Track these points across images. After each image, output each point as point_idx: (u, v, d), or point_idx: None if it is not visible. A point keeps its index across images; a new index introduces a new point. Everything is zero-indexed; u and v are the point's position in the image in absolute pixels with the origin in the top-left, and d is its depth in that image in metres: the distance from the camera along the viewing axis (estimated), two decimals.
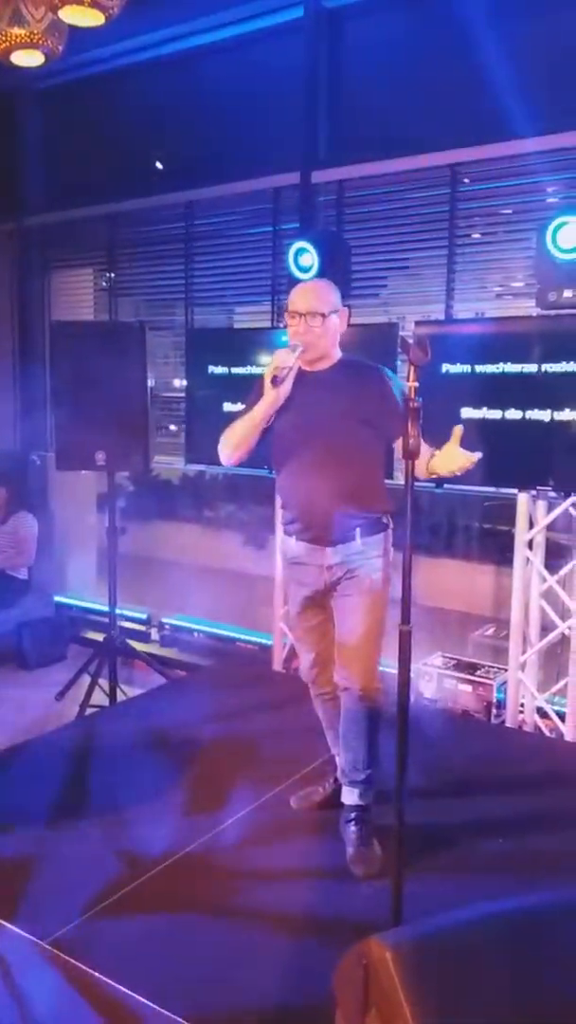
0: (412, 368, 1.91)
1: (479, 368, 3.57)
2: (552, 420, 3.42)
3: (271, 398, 2.50)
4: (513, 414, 3.52)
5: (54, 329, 4.65)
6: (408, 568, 1.96)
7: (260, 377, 2.55)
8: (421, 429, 2.01)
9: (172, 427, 5.38)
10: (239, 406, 2.69)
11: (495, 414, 3.55)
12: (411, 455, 1.91)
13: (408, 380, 1.93)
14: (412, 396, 1.91)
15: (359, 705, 2.53)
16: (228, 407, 4.12)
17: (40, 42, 2.78)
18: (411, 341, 1.92)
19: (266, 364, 2.57)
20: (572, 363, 3.36)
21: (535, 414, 3.46)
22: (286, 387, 2.49)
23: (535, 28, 3.87)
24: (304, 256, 4.02)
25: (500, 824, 2.75)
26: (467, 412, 3.57)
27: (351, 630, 2.54)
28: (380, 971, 1.57)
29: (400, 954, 1.55)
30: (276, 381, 2.45)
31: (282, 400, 2.53)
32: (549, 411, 3.42)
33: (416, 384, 1.93)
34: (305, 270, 4.02)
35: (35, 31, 2.73)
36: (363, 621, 2.52)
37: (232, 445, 2.61)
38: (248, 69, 4.78)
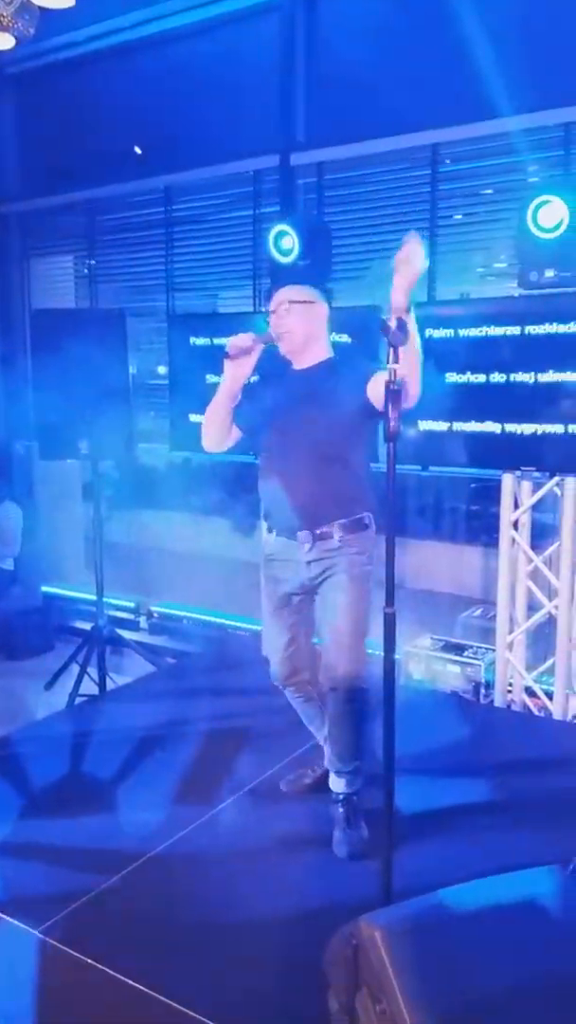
0: (392, 350, 1.90)
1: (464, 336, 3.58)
2: (536, 392, 3.42)
3: (227, 376, 2.54)
4: (499, 386, 3.52)
5: (34, 317, 4.61)
6: (391, 550, 1.95)
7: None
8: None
9: (152, 414, 5.35)
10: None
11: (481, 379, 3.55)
12: (392, 438, 1.90)
13: (388, 362, 1.92)
14: (392, 379, 1.90)
15: (347, 704, 2.52)
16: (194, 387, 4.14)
17: (10, 25, 2.73)
18: (390, 323, 1.91)
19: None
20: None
21: (521, 388, 3.47)
22: (244, 370, 2.52)
23: (515, 5, 3.83)
24: (284, 239, 4.00)
25: (489, 803, 2.77)
26: (452, 377, 3.59)
27: (337, 631, 2.52)
28: (370, 950, 1.58)
29: (389, 933, 1.57)
30: (227, 356, 2.49)
31: (240, 382, 2.54)
32: (532, 374, 3.43)
33: (397, 366, 1.92)
34: (286, 253, 3.99)
35: (4, 13, 2.68)
36: (345, 623, 2.50)
37: (205, 429, 2.66)
38: (225, 50, 4.72)
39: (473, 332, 3.56)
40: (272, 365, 2.65)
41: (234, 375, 2.54)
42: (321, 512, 2.50)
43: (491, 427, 3.57)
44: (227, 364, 2.52)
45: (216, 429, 2.64)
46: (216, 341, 4.24)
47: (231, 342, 2.50)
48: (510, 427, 3.52)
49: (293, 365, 2.62)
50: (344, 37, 4.39)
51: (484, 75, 3.63)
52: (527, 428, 3.47)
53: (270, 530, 2.62)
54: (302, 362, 2.61)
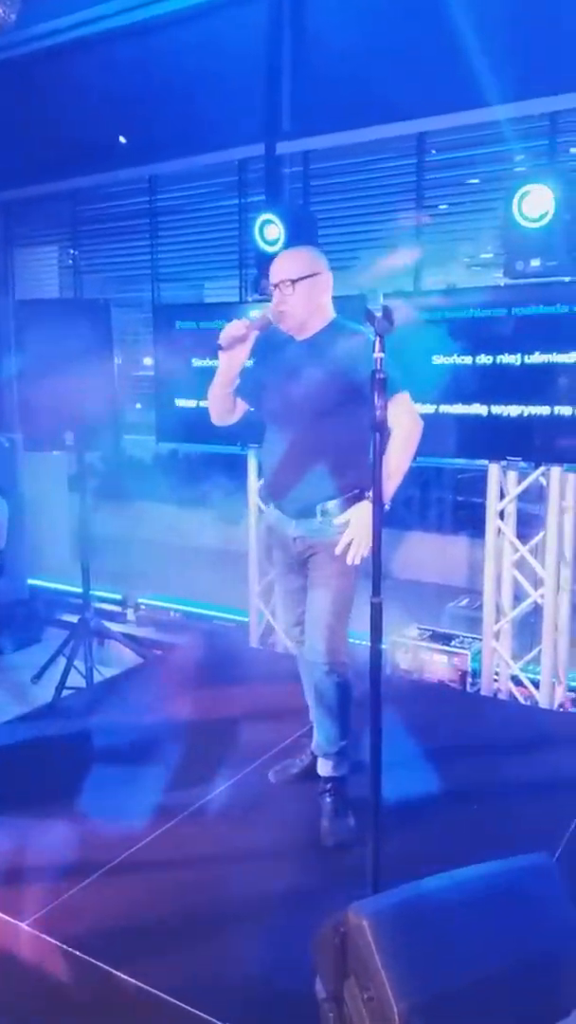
0: (378, 339, 1.89)
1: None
2: (521, 379, 3.43)
3: (223, 365, 2.52)
4: (485, 372, 3.52)
5: (18, 307, 4.57)
6: (377, 540, 1.95)
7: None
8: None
9: (138, 405, 5.33)
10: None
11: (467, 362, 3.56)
12: (378, 427, 1.90)
13: (375, 351, 1.91)
14: (379, 367, 1.90)
15: (327, 680, 2.54)
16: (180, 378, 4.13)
17: None
18: (376, 312, 1.90)
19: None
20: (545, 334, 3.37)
21: (507, 373, 3.47)
22: (239, 356, 2.48)
23: None
24: (270, 229, 3.97)
25: (476, 791, 2.79)
26: (439, 360, 3.60)
27: (314, 607, 2.54)
28: (357, 939, 1.59)
29: (376, 922, 1.57)
30: (220, 347, 2.45)
31: (236, 369, 2.52)
32: (519, 355, 3.44)
33: (382, 355, 1.91)
34: (271, 243, 3.97)
35: None
36: (325, 597, 2.52)
37: (210, 408, 2.67)
38: (210, 38, 4.68)
39: (459, 316, 3.55)
40: (273, 334, 2.58)
41: (229, 364, 2.51)
42: (307, 490, 2.50)
43: (477, 409, 3.57)
44: (221, 355, 2.48)
45: (219, 409, 2.66)
46: (202, 326, 4.22)
47: (224, 332, 2.44)
48: (496, 410, 3.52)
49: (296, 336, 2.56)
50: (331, 25, 4.37)
51: (471, 64, 3.61)
52: (512, 410, 3.47)
53: (267, 501, 2.64)
54: (304, 333, 2.55)
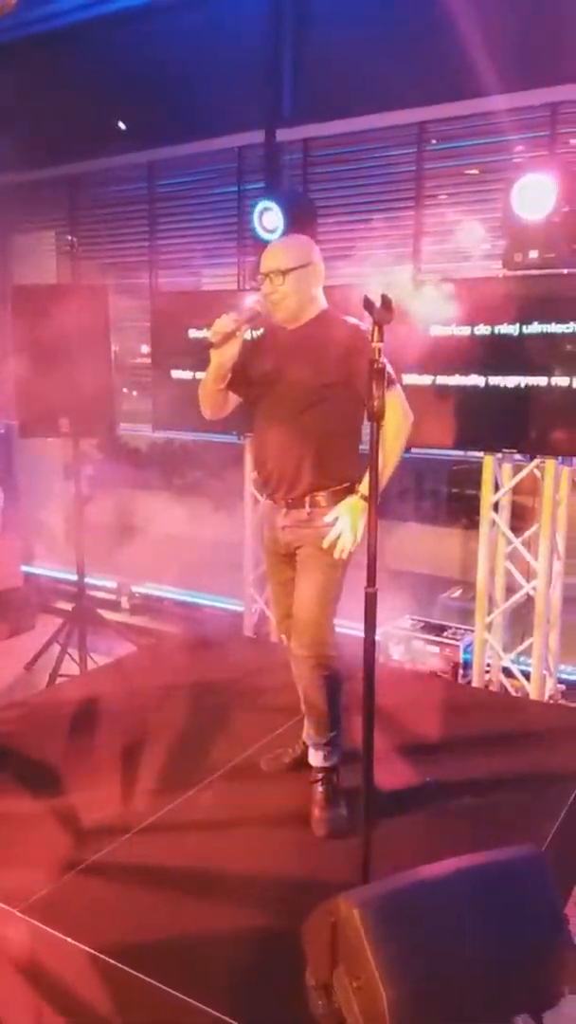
0: (376, 328, 1.88)
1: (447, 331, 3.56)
2: (519, 385, 3.43)
3: (214, 362, 2.48)
4: (478, 380, 3.52)
5: (14, 293, 4.54)
6: (373, 530, 1.95)
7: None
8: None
9: (135, 393, 5.31)
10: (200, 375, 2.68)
11: (462, 380, 3.55)
12: (375, 417, 1.89)
13: (373, 340, 1.90)
14: (377, 356, 1.89)
15: (313, 673, 2.53)
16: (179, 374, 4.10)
17: None
18: (375, 301, 1.89)
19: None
20: (540, 324, 3.36)
21: (503, 379, 3.46)
22: (230, 352, 2.45)
23: None
24: (268, 215, 3.96)
25: (466, 782, 2.80)
26: (442, 380, 3.59)
27: (300, 599, 2.54)
28: (347, 928, 1.59)
29: (366, 911, 1.58)
30: (211, 345, 2.41)
31: (227, 365, 2.49)
32: (520, 375, 3.43)
33: (381, 344, 1.91)
34: (270, 230, 3.95)
35: None
36: (312, 589, 2.51)
37: (201, 402, 2.64)
38: (211, 24, 4.64)
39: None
40: (263, 323, 2.57)
41: (220, 361, 2.47)
42: (295, 478, 2.50)
43: (474, 402, 3.57)
44: (212, 352, 2.45)
45: (211, 405, 2.63)
46: (200, 313, 4.20)
47: (213, 329, 2.41)
48: (493, 403, 3.51)
49: (286, 326, 2.54)
50: (331, 12, 4.34)
51: (471, 53, 3.59)
52: (509, 404, 3.46)
53: (260, 493, 2.63)
54: (295, 323, 2.53)
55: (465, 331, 3.53)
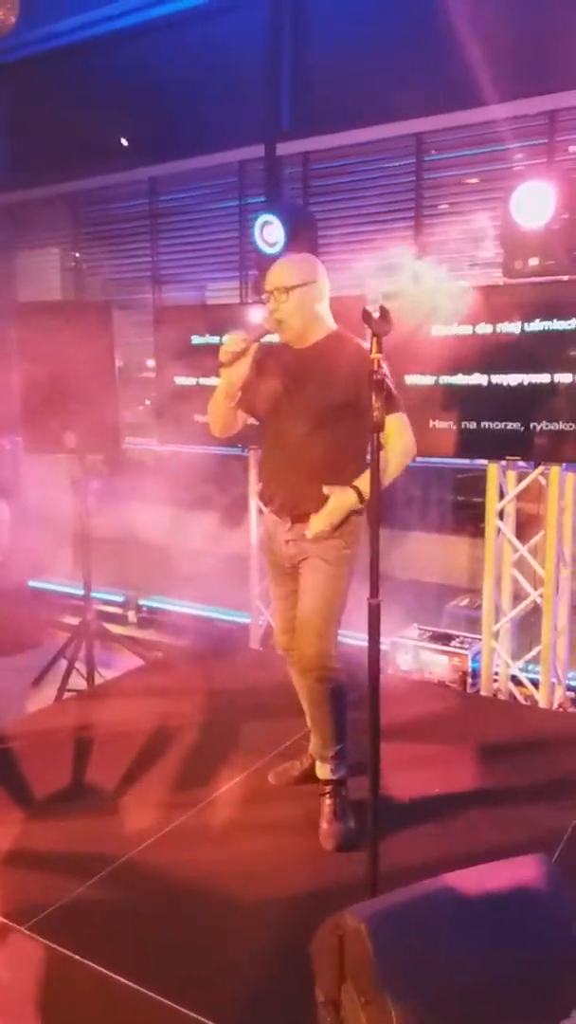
0: (375, 339, 1.89)
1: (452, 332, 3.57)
2: (522, 383, 3.42)
3: (224, 380, 2.50)
4: (481, 379, 3.51)
5: (18, 310, 4.57)
6: (375, 541, 1.95)
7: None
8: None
9: (140, 408, 5.32)
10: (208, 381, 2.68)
11: (465, 379, 3.55)
12: (375, 428, 1.89)
13: (372, 352, 1.90)
14: (376, 367, 1.89)
15: (317, 685, 2.53)
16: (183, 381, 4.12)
17: None
18: (374, 313, 1.90)
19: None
20: (543, 322, 3.36)
21: (507, 379, 3.46)
22: (240, 370, 2.47)
23: None
24: (269, 229, 3.97)
25: (475, 792, 2.78)
26: (445, 379, 3.60)
27: (303, 611, 2.55)
28: (354, 943, 1.58)
29: (373, 925, 1.56)
30: (221, 364, 2.45)
31: (238, 384, 2.51)
32: (522, 376, 3.42)
33: (380, 355, 1.91)
34: (271, 243, 3.97)
35: None
36: (314, 602, 2.52)
37: (210, 421, 2.68)
38: (210, 40, 4.69)
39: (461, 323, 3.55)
40: (276, 347, 2.60)
41: (230, 379, 2.50)
42: (299, 494, 2.50)
43: (476, 417, 3.56)
44: (222, 371, 2.48)
45: (221, 423, 2.65)
46: (204, 328, 4.23)
47: (223, 348, 2.44)
48: (496, 409, 3.50)
49: (293, 345, 2.57)
50: (329, 27, 4.37)
51: (468, 63, 3.61)
52: (512, 410, 3.46)
53: (265, 506, 2.66)
54: (303, 343, 2.55)
55: (467, 330, 3.52)
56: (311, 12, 4.44)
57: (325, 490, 2.44)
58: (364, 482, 2.38)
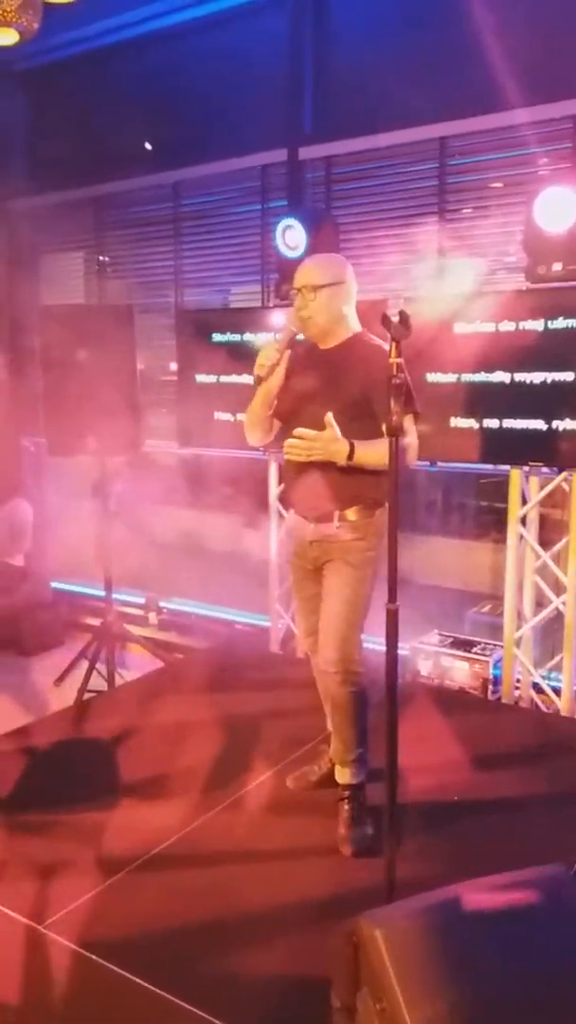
0: (395, 344, 1.88)
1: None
2: (544, 381, 3.40)
3: (261, 392, 2.54)
4: (504, 376, 3.49)
5: (42, 313, 4.61)
6: (393, 547, 1.94)
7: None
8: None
9: (164, 410, 5.34)
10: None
11: (489, 378, 3.53)
12: (393, 432, 1.89)
13: (392, 356, 1.90)
14: (395, 372, 1.89)
15: (341, 689, 2.53)
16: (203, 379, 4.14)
17: (13, 20, 2.72)
18: (393, 317, 1.89)
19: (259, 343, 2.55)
20: (567, 320, 3.33)
21: (529, 377, 3.43)
22: (277, 378, 2.51)
23: None
24: (291, 233, 3.98)
25: (495, 800, 2.76)
26: (467, 377, 3.58)
27: (327, 614, 2.55)
28: (370, 950, 1.57)
29: (389, 932, 1.56)
30: (258, 380, 2.49)
31: (276, 391, 2.54)
32: (543, 375, 3.40)
33: (400, 360, 1.91)
34: (292, 247, 3.97)
35: (8, 8, 2.67)
36: (339, 604, 2.52)
37: (247, 430, 2.69)
38: (233, 45, 4.71)
39: (484, 328, 3.52)
40: (297, 343, 2.61)
41: (268, 390, 2.54)
42: (325, 496, 2.51)
43: (496, 423, 3.54)
44: (261, 384, 2.52)
45: (260, 430, 2.67)
46: (226, 332, 4.24)
47: (259, 363, 2.48)
48: (518, 423, 3.48)
49: (318, 345, 2.60)
50: (352, 31, 4.37)
51: (491, 67, 3.59)
52: (535, 417, 3.43)
53: (288, 507, 2.66)
54: (327, 342, 2.58)
55: (489, 327, 3.50)
56: (334, 17, 4.44)
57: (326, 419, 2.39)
58: (362, 446, 2.35)
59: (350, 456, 2.35)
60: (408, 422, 2.42)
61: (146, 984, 1.97)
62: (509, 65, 3.58)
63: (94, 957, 2.06)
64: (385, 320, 1.91)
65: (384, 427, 1.95)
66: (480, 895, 1.65)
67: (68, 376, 4.22)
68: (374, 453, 2.33)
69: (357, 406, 2.44)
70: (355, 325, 2.59)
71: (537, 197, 3.32)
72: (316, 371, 2.54)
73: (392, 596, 1.94)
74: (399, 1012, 1.51)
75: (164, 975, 1.99)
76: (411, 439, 2.45)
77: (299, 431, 2.39)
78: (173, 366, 5.22)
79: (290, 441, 2.40)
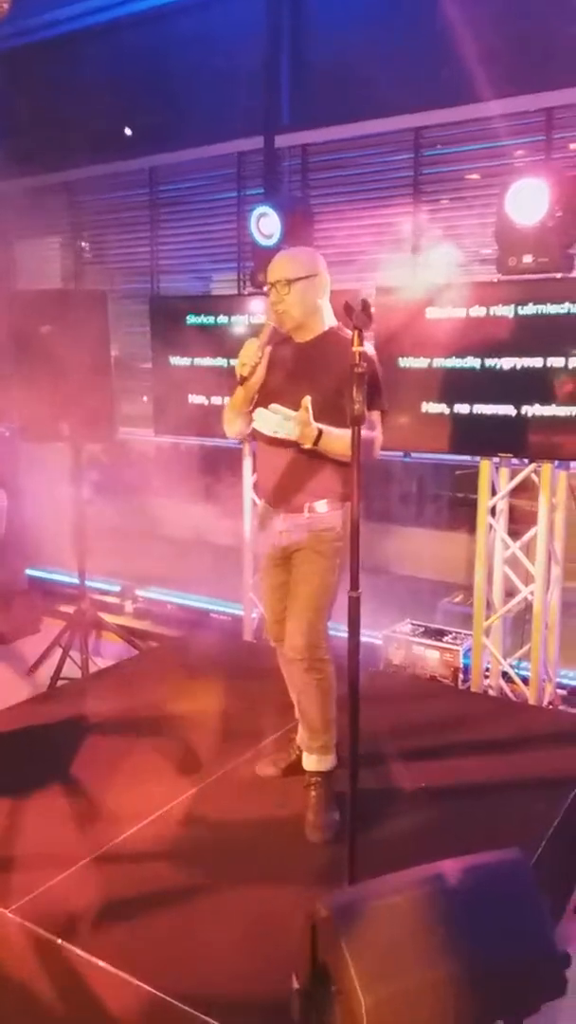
0: (356, 332, 1.89)
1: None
2: (515, 367, 3.43)
3: (243, 391, 2.54)
4: (476, 363, 3.51)
5: (14, 298, 4.57)
6: (355, 536, 1.96)
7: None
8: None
9: (144, 398, 5.32)
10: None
11: (460, 363, 3.55)
12: (355, 421, 1.90)
13: (353, 345, 1.91)
14: (357, 361, 1.90)
15: (306, 676, 2.55)
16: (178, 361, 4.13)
17: None
18: (354, 306, 1.90)
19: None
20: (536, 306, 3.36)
21: (500, 362, 3.45)
22: (258, 377, 2.52)
23: None
24: (265, 221, 3.97)
25: (462, 787, 2.79)
26: (438, 362, 3.60)
27: (294, 603, 2.57)
28: (325, 932, 1.60)
29: (344, 914, 1.58)
30: (241, 380, 2.49)
31: (256, 387, 2.55)
32: (513, 360, 3.43)
33: (363, 349, 1.92)
34: (267, 235, 3.96)
35: None
36: (307, 592, 2.55)
37: (226, 425, 2.69)
38: (210, 31, 4.68)
39: (456, 313, 3.55)
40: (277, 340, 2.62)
41: (249, 387, 2.55)
42: (294, 486, 2.53)
43: (467, 408, 3.56)
44: (243, 383, 2.52)
45: (236, 426, 2.67)
46: (201, 318, 4.23)
47: (242, 363, 2.48)
48: (489, 407, 3.51)
49: (294, 338, 2.61)
50: (328, 20, 4.36)
51: (467, 59, 3.60)
52: (505, 408, 3.46)
53: (260, 497, 2.67)
54: (303, 336, 2.60)
55: (460, 313, 3.53)
56: (310, 4, 4.43)
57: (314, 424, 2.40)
58: (329, 433, 2.37)
59: (316, 441, 2.37)
60: (375, 418, 2.47)
61: (108, 966, 1.98)
62: (484, 57, 3.59)
63: (59, 941, 2.07)
64: (347, 309, 1.92)
65: (347, 415, 1.96)
66: (435, 878, 1.68)
67: (41, 362, 4.18)
68: (339, 441, 2.35)
69: (330, 401, 2.45)
70: (330, 319, 2.61)
71: (508, 189, 3.33)
72: (292, 365, 2.57)
73: (354, 584, 1.95)
74: (353, 994, 1.54)
75: (128, 957, 2.00)
76: (376, 433, 2.47)
77: (274, 406, 2.40)
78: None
79: (261, 411, 2.41)
